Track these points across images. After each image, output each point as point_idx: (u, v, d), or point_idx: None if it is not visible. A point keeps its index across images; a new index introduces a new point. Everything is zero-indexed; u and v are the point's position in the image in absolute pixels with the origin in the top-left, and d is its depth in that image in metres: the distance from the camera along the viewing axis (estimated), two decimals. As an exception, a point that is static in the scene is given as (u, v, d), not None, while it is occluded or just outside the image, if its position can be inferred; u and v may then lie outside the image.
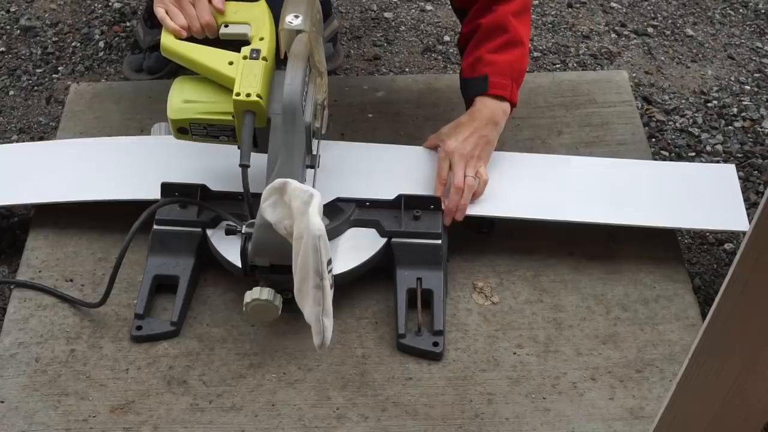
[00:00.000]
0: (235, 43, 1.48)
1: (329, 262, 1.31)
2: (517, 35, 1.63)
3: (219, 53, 1.45)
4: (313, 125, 1.46)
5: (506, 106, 1.64)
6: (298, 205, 1.31)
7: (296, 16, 1.41)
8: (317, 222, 1.28)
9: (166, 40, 1.46)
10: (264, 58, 1.43)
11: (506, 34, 1.62)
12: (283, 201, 1.35)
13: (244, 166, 1.42)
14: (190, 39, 1.48)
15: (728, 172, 1.71)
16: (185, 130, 1.47)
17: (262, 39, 1.46)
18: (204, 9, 1.46)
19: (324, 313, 1.32)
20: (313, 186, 1.46)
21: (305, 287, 1.33)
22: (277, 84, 1.45)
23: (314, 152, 1.50)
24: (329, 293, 1.32)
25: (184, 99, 1.46)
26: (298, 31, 1.41)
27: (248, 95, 1.40)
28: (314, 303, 1.32)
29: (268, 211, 1.36)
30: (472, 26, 1.66)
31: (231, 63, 1.43)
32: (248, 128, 1.42)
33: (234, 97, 1.40)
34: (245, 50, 1.44)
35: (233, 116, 1.43)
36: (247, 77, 1.41)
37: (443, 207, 1.59)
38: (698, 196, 1.67)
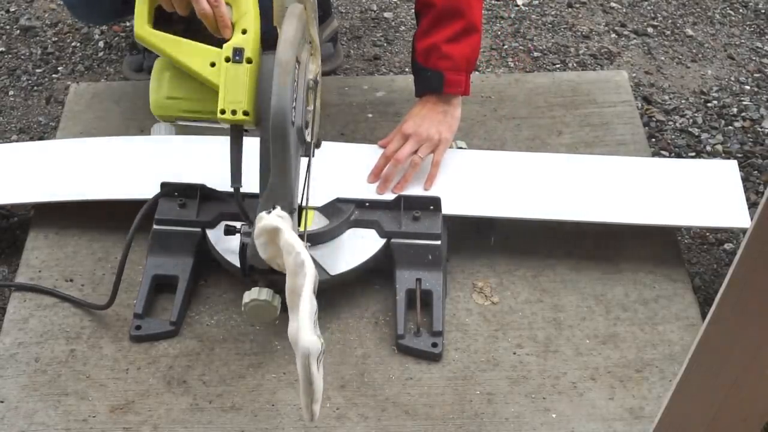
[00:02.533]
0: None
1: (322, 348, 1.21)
2: (473, 20, 1.60)
3: (198, 50, 1.33)
4: (305, 118, 1.37)
5: (459, 97, 1.65)
6: (290, 263, 1.23)
7: None
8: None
9: (140, 28, 1.34)
10: (248, 60, 1.31)
11: (463, 20, 1.59)
12: (275, 244, 1.29)
13: (237, 189, 1.38)
14: (163, 19, 1.37)
15: (730, 168, 1.71)
16: (170, 119, 1.40)
17: (245, 32, 1.32)
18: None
19: (314, 402, 1.23)
20: (310, 183, 1.42)
21: (296, 368, 1.22)
22: (264, 76, 1.32)
23: (308, 139, 1.40)
24: (319, 385, 1.22)
25: (166, 95, 1.36)
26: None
27: (234, 113, 1.30)
28: (304, 393, 1.23)
29: (260, 248, 1.33)
30: None
31: (213, 65, 1.32)
32: (236, 148, 1.35)
33: (219, 115, 1.31)
34: (227, 49, 1.31)
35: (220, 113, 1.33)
36: (233, 88, 1.30)
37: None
38: (699, 193, 1.66)
